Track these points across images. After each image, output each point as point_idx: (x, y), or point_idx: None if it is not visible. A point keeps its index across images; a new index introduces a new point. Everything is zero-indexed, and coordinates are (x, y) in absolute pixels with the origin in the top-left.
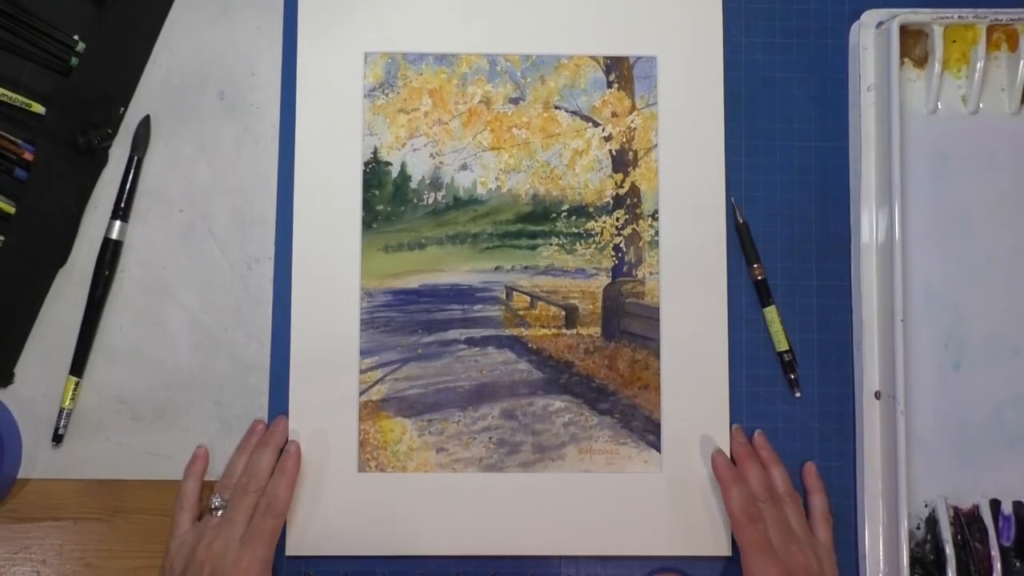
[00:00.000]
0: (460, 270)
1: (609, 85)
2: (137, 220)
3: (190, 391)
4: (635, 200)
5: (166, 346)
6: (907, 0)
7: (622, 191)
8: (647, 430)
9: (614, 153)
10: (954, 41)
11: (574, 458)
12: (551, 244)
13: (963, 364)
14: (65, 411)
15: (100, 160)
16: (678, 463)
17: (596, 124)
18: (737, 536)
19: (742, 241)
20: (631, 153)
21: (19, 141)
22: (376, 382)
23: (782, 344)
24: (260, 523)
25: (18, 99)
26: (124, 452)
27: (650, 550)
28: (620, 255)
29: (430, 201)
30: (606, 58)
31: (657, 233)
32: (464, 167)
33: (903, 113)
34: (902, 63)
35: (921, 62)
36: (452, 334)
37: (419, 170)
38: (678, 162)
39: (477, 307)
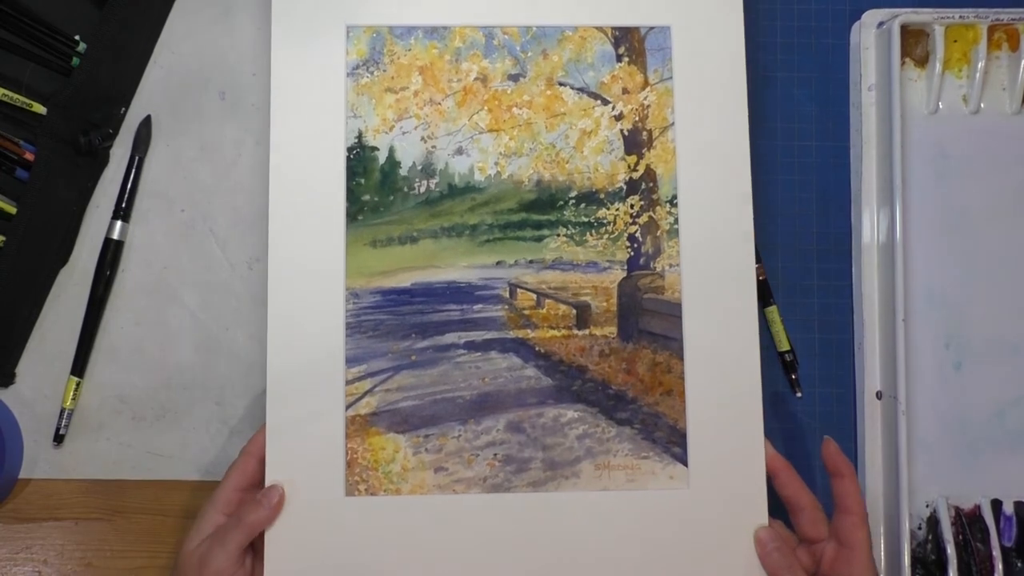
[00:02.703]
0: (457, 266)
1: (619, 59)
2: (138, 220)
3: (191, 391)
4: (651, 184)
5: (167, 346)
6: (908, 0)
7: (636, 175)
8: (672, 441)
9: (626, 133)
10: (955, 41)
11: (590, 475)
12: (558, 235)
13: (964, 364)
14: (66, 411)
15: (101, 160)
16: (707, 478)
17: (605, 102)
18: (856, 534)
19: None
20: (645, 133)
21: (20, 141)
22: (364, 394)
23: (783, 344)
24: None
25: (19, 99)
26: (125, 452)
27: None
28: (636, 246)
29: (422, 189)
30: (614, 29)
31: (676, 221)
32: (459, 151)
33: (904, 113)
34: (903, 63)
35: (922, 62)
36: (450, 338)
37: (409, 155)
38: (698, 142)
39: (477, 307)
